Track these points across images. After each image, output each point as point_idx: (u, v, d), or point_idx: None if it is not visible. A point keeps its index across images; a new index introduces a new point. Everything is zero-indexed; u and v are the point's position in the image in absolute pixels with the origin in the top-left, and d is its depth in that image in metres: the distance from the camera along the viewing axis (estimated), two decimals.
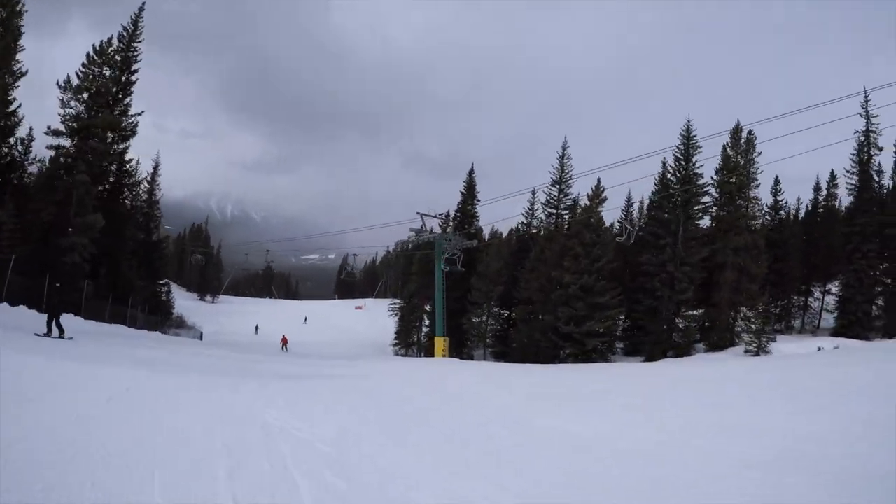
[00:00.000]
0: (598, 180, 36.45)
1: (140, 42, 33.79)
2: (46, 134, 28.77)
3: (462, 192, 45.50)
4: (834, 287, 41.88)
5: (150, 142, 50.00)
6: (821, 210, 47.12)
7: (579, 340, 33.41)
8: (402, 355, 49.15)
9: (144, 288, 38.84)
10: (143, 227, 44.48)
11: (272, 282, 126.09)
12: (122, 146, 33.87)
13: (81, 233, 27.05)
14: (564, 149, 42.04)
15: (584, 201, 38.24)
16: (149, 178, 47.44)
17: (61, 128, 29.15)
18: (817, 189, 47.03)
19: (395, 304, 58.24)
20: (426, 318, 48.19)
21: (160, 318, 42.92)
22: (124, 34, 33.29)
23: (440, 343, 33.58)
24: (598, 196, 36.11)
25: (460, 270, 36.08)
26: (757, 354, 30.92)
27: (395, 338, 53.15)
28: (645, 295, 35.54)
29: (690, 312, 35.78)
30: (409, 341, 50.93)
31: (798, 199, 50.04)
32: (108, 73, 31.29)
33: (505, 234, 60.39)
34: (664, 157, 39.52)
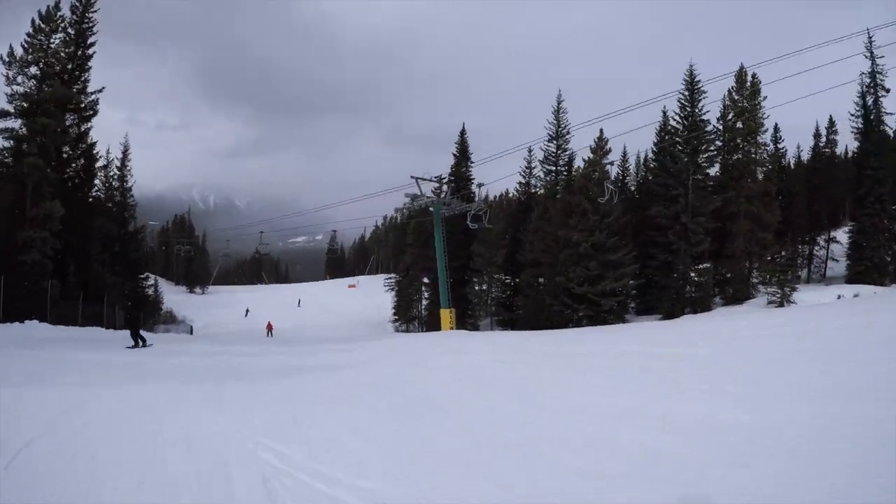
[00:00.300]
0: (601, 131, 34.11)
1: (95, 12, 30.49)
2: None
3: (455, 155, 42.90)
4: (839, 234, 41.00)
5: (125, 137, 46.70)
6: (824, 156, 45.47)
7: (594, 301, 31.41)
8: (404, 331, 47.35)
9: (122, 284, 35.93)
10: (117, 218, 41.56)
11: (262, 267, 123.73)
12: (83, 127, 30.75)
13: (39, 225, 23.87)
14: (559, 101, 39.77)
15: (586, 155, 35.89)
16: (118, 165, 44.98)
17: (8, 108, 25.75)
18: (817, 136, 45.61)
19: (390, 279, 56.62)
20: (425, 291, 46.02)
21: (145, 314, 40.43)
22: (77, 3, 30.07)
23: (446, 315, 31.40)
24: (601, 148, 33.78)
25: (488, 227, 33.59)
26: (781, 305, 29.26)
27: (394, 313, 51.44)
28: (658, 249, 33.43)
29: (705, 265, 33.87)
30: (410, 316, 48.95)
31: (798, 147, 47.70)
32: (57, 42, 27.83)
33: (501, 196, 57.82)
34: (664, 106, 37.89)
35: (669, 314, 31.31)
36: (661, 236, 33.13)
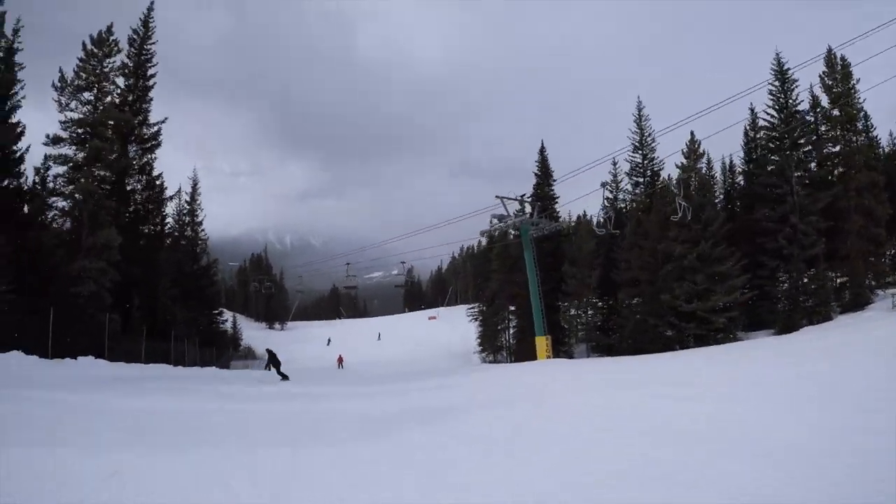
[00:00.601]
0: (692, 133, 32.16)
1: (153, 44, 31.30)
2: (45, 144, 24.05)
3: (536, 174, 41.35)
4: None
5: (194, 171, 47.22)
6: None
7: (704, 319, 29.02)
8: (491, 361, 45.71)
9: (194, 319, 36.16)
10: (187, 252, 42.02)
11: (340, 302, 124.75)
12: (145, 158, 31.10)
13: (96, 255, 22.48)
14: (640, 109, 38.02)
15: (678, 160, 33.59)
16: (188, 199, 44.93)
17: (62, 134, 24.41)
18: None
19: (473, 308, 55.22)
20: (512, 318, 44.28)
21: (219, 350, 40.48)
22: (134, 37, 30.79)
23: (542, 343, 29.66)
24: (694, 151, 31.73)
25: (613, 233, 30.68)
26: None
27: (479, 343, 49.76)
28: (767, 256, 30.46)
29: (816, 271, 30.54)
30: (497, 345, 47.21)
31: (891, 134, 43.60)
32: (112, 66, 26.53)
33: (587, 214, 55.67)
34: (751, 103, 35.77)
35: (786, 327, 28.48)
36: (770, 241, 30.18)
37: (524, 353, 39.32)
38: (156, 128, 31.26)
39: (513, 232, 40.79)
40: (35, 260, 20.97)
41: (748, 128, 35.61)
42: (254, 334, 68.57)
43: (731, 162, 37.73)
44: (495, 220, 31.55)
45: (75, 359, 17.81)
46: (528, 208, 34.29)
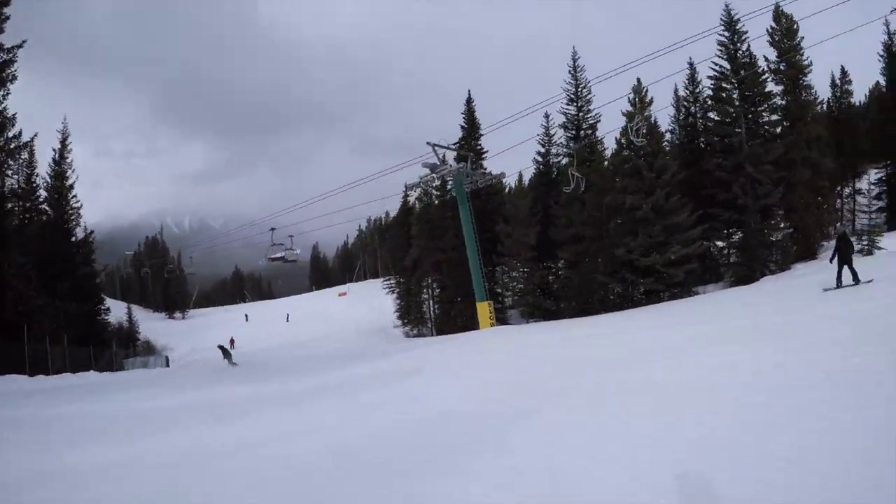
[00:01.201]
0: (638, 80, 29.21)
1: None
2: None
3: (462, 126, 37.61)
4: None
5: (63, 121, 36.37)
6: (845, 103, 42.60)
7: (661, 273, 26.60)
8: (415, 335, 42.18)
9: (63, 312, 28.70)
10: (54, 225, 33.10)
11: (244, 285, 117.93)
12: None
13: None
14: (575, 60, 34.56)
15: (612, 115, 31.05)
16: (56, 157, 35.13)
17: None
18: (834, 85, 42.28)
19: (388, 280, 51.56)
20: (436, 289, 40.75)
21: (99, 349, 31.70)
22: None
23: (485, 309, 26.44)
24: (642, 98, 28.95)
25: (579, 191, 26.79)
26: (871, 254, 24.67)
27: (399, 317, 46.53)
28: (720, 208, 28.53)
29: (773, 222, 29.09)
30: (419, 317, 43.67)
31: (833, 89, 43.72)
32: None
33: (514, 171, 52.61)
34: (689, 57, 34.16)
35: (741, 279, 26.82)
36: (722, 192, 28.22)
37: (449, 324, 36.53)
38: (9, 54, 24.93)
39: (435, 193, 37.40)
40: None
41: (687, 82, 34.20)
42: (153, 325, 61.98)
43: (678, 112, 35.73)
44: (426, 171, 27.88)
45: None
46: (456, 164, 30.35)
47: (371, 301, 60.13)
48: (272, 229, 32.53)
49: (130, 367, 32.78)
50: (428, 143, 27.06)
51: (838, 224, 30.92)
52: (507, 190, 41.72)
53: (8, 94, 25.30)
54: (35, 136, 28.80)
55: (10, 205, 28.51)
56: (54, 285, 29.17)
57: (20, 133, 26.68)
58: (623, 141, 29.96)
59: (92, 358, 28.32)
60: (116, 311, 57.51)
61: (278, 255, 32.48)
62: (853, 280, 13.52)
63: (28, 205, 31.65)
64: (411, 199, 45.14)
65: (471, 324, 30.14)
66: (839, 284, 13.72)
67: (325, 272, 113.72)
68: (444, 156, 29.46)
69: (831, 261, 14.09)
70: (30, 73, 26.15)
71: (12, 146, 26.65)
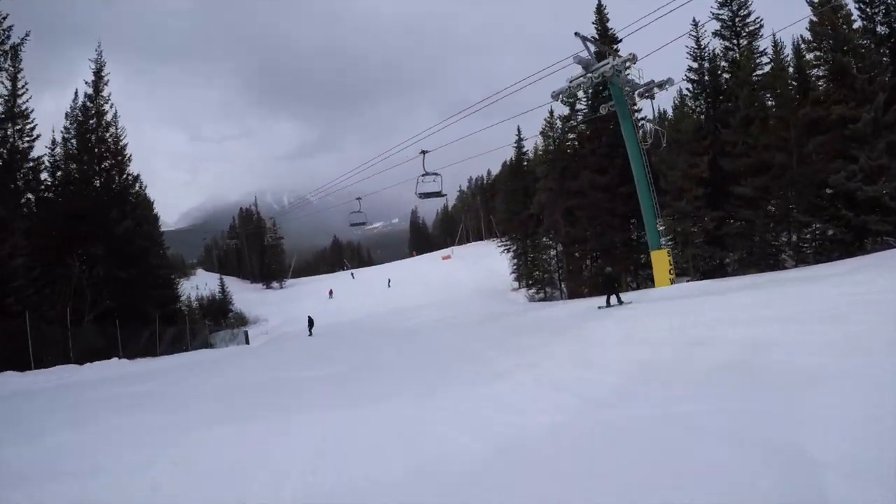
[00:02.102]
0: None
1: None
2: None
3: (593, 38, 28.31)
4: None
5: (98, 53, 28.97)
6: None
7: (890, 208, 18.83)
8: (541, 299, 35.80)
9: (121, 289, 24.05)
10: (115, 199, 27.25)
11: (343, 254, 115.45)
12: None
13: None
14: None
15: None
16: (90, 94, 28.17)
17: None
18: None
19: (505, 238, 45.38)
20: (563, 243, 33.68)
21: (169, 325, 27.66)
22: None
23: (663, 259, 19.71)
24: None
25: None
26: None
27: (516, 279, 41.85)
28: None
29: None
30: (545, 277, 37.63)
31: None
32: None
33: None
34: None
35: None
36: None
37: (577, 285, 31.51)
38: None
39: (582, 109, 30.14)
40: None
41: None
42: (249, 297, 60.27)
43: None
44: (578, 72, 21.10)
45: None
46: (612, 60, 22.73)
47: (477, 263, 56.51)
48: (358, 198, 33.68)
49: (220, 343, 34.03)
50: (576, 34, 20.50)
51: None
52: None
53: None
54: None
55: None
56: (121, 263, 24.69)
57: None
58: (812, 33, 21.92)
59: (119, 339, 21.76)
60: (212, 283, 55.31)
61: (359, 221, 33.79)
62: None
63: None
64: (558, 110, 35.14)
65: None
66: None
67: (426, 238, 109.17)
68: (593, 56, 22.08)
69: None
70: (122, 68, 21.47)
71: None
